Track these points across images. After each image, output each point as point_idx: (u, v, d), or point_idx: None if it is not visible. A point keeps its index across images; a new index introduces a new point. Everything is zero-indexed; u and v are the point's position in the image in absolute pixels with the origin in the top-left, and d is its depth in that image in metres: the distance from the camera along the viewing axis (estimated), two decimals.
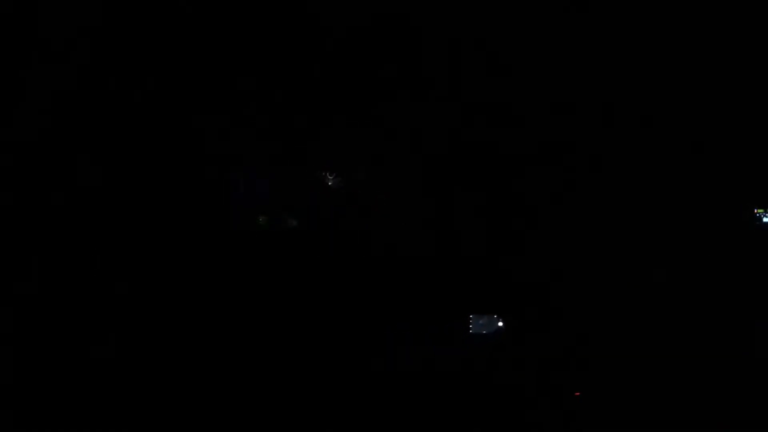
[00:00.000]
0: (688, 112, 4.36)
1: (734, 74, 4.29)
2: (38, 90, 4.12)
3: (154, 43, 4.27)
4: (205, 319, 4.25)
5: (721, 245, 4.37)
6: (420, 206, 4.56)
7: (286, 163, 4.50)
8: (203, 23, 4.35)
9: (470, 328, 4.48)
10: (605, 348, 4.29)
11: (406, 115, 4.56)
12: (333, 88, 4.52)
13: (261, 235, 4.47)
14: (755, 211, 4.41)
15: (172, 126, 4.31)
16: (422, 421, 4.19)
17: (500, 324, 4.48)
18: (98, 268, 4.15)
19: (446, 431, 4.16)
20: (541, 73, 4.47)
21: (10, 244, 4.00)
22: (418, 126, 4.54)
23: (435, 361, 4.35)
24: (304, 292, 4.39)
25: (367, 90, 4.54)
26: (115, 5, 4.18)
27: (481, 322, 4.48)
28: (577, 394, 4.24)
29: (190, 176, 4.35)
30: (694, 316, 4.30)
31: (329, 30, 4.41)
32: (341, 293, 4.41)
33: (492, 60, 4.46)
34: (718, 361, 4.17)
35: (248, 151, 4.47)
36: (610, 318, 4.35)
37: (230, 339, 4.25)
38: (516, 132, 4.51)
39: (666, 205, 4.41)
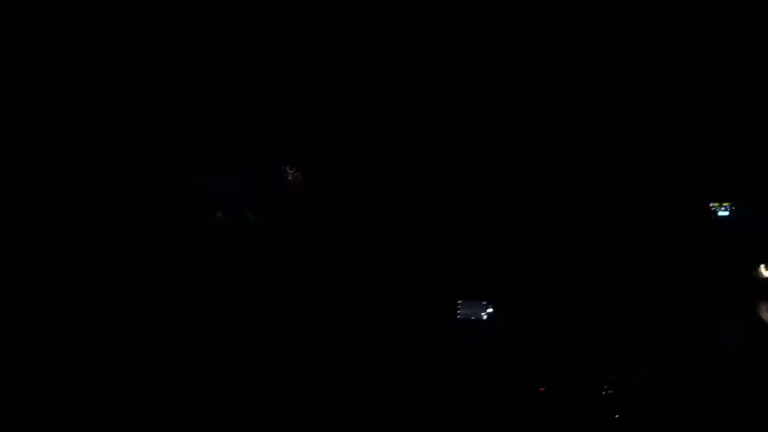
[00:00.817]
0: (646, 110, 4.40)
1: (691, 73, 4.32)
2: (36, 91, 4.13)
3: (149, 43, 4.27)
4: (201, 320, 4.25)
5: (679, 239, 4.40)
6: (417, 204, 4.57)
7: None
8: (201, 22, 4.36)
9: (458, 314, 4.46)
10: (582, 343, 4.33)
11: (406, 116, 4.57)
12: (332, 89, 4.53)
13: (255, 235, 4.49)
14: (710, 205, 4.45)
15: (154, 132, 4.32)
16: (421, 418, 4.20)
17: (489, 310, 4.46)
18: (97, 268, 4.17)
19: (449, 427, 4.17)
20: (543, 76, 4.48)
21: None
22: (416, 126, 4.55)
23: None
24: (295, 291, 4.40)
25: (366, 91, 4.55)
26: (111, 5, 4.19)
27: (469, 309, 4.45)
28: (542, 389, 4.25)
29: (169, 177, 4.36)
30: (661, 310, 4.33)
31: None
32: (335, 293, 4.42)
33: (493, 57, 4.47)
34: (682, 353, 4.21)
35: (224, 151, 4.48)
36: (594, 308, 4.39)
37: (226, 340, 4.26)
38: (512, 132, 4.53)
39: (632, 200, 4.45)
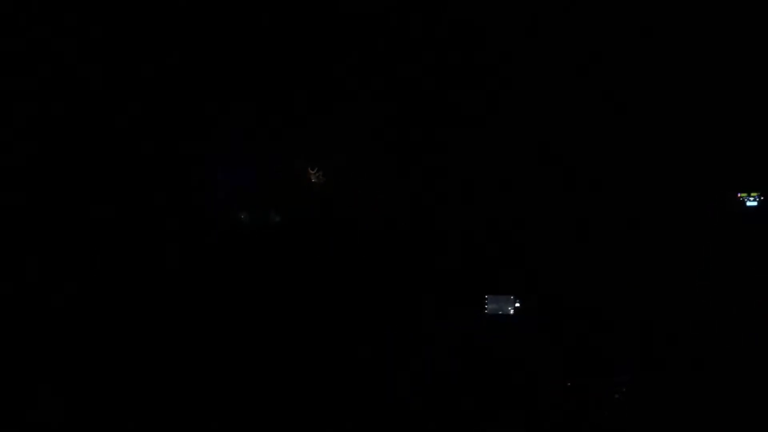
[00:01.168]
0: (667, 103, 4.39)
1: (708, 65, 4.32)
2: (35, 90, 4.13)
3: (149, 43, 4.28)
4: (201, 320, 4.25)
5: (707, 230, 4.40)
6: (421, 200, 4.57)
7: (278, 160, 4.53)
8: (201, 22, 4.36)
9: (486, 309, 4.43)
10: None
11: (405, 115, 4.58)
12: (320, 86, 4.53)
13: (260, 232, 4.49)
14: (738, 195, 4.44)
15: (156, 127, 4.31)
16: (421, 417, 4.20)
17: (517, 305, 4.42)
18: (98, 266, 4.17)
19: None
20: (543, 76, 4.49)
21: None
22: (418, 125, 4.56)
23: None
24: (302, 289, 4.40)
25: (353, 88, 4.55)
26: (111, 5, 4.20)
27: (497, 303, 4.42)
28: (569, 383, 4.24)
29: (176, 175, 4.36)
30: (690, 305, 4.32)
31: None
32: (341, 292, 4.42)
33: (493, 57, 4.48)
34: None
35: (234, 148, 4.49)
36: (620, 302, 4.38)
37: (227, 339, 4.26)
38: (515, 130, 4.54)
39: (654, 191, 4.43)
